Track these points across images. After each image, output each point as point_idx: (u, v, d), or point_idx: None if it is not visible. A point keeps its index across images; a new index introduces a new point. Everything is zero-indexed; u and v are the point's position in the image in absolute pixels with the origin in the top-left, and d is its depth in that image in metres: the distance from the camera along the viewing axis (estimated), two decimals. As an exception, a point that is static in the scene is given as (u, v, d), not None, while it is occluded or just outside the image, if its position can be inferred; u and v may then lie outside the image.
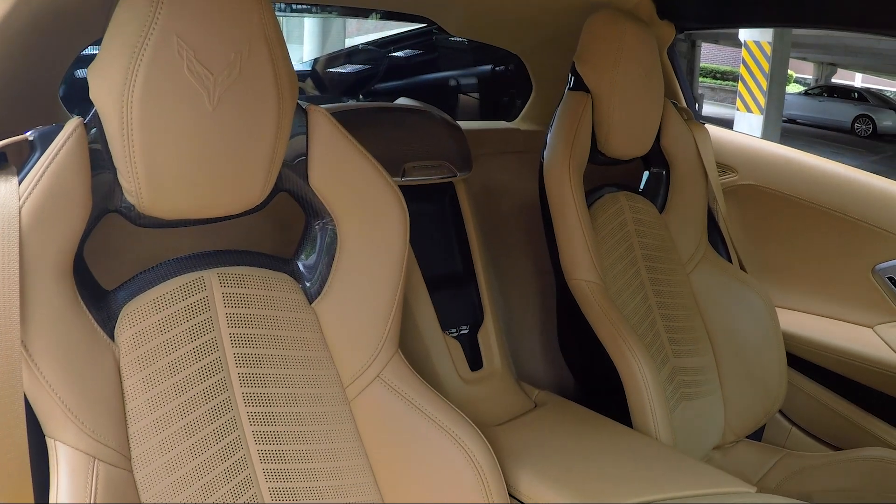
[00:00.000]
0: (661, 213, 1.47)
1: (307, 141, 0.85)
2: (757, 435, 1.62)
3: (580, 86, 1.28)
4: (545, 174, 1.26)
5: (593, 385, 1.36)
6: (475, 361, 1.26)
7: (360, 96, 1.64)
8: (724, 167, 1.66)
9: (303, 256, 0.92)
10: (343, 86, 1.75)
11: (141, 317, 0.78)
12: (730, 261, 1.57)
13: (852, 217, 1.55)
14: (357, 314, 0.91)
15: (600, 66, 1.25)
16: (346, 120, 1.12)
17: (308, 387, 0.88)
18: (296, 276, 0.91)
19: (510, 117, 1.72)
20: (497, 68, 1.85)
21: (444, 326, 1.24)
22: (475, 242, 1.33)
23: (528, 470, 1.02)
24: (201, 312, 0.82)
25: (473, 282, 1.32)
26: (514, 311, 1.50)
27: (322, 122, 0.86)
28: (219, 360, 0.82)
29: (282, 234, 1.04)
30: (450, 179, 1.27)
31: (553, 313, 1.46)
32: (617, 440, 1.12)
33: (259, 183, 0.79)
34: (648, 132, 1.38)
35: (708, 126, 1.57)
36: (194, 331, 0.81)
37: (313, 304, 0.91)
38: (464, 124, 1.56)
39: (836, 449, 1.59)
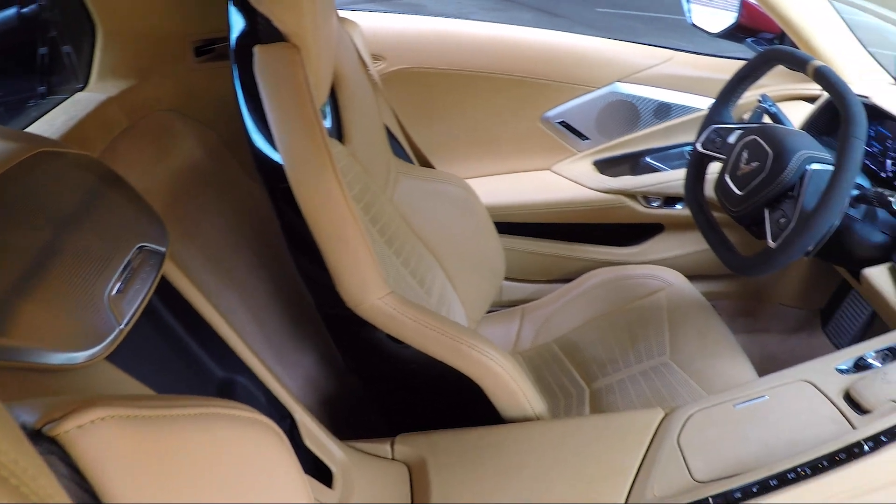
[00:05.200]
0: (344, 146, 1.23)
1: None
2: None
3: (270, 34, 0.89)
4: (297, 186, 0.90)
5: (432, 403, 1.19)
6: (324, 473, 0.95)
7: None
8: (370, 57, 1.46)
9: None
10: None
11: None
12: (410, 161, 1.45)
13: (516, 75, 1.59)
14: None
15: (299, 2, 0.87)
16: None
17: None
18: None
19: (57, 77, 1.13)
20: (24, 10, 1.12)
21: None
22: (219, 321, 0.92)
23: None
24: None
25: (249, 376, 0.94)
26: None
27: None
28: None
29: None
30: (161, 271, 0.80)
31: (296, 324, 1.18)
32: (529, 453, 1.02)
33: None
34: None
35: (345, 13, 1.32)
36: None
37: None
38: (43, 126, 1.00)
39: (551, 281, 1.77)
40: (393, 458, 1.05)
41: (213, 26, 1.06)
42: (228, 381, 0.93)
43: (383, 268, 1.10)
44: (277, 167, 0.91)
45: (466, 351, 1.04)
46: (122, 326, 0.70)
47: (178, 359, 0.87)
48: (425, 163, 1.47)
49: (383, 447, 1.06)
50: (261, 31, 0.90)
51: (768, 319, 1.96)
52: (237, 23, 0.91)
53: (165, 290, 0.87)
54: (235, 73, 0.92)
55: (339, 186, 0.91)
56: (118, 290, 0.72)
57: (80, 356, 0.64)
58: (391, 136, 1.39)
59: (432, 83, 1.61)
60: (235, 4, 0.91)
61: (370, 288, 0.99)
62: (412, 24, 1.61)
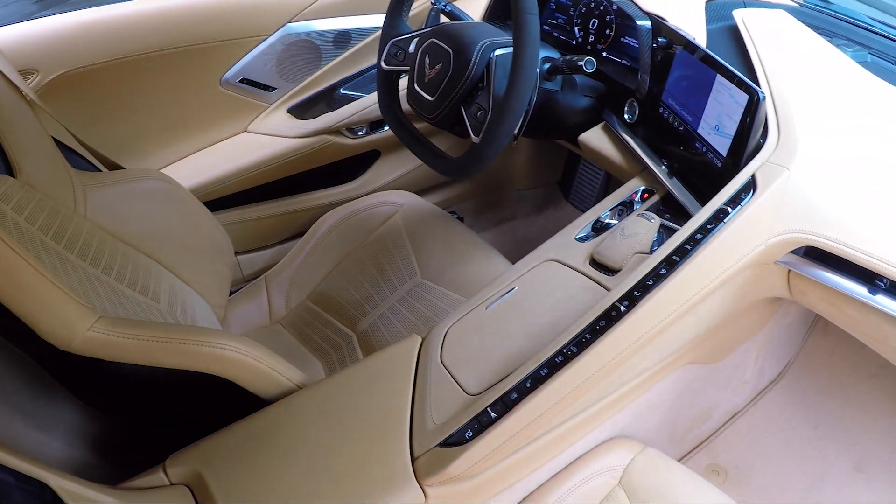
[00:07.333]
0: (17, 178, 1.10)
1: None
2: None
3: None
4: None
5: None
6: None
7: None
8: (20, 73, 1.31)
9: None
10: None
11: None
12: (97, 169, 1.34)
13: (181, 46, 1.53)
14: None
15: None
16: None
17: None
18: None
19: None
20: None
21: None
22: None
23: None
24: None
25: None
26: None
27: None
28: None
29: None
30: None
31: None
32: (302, 428, 1.02)
33: None
34: None
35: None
36: None
37: None
38: None
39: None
40: (171, 484, 1.00)
41: None
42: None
43: (91, 292, 1.02)
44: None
45: (195, 349, 1.00)
46: None
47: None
48: (113, 166, 1.37)
49: (157, 476, 1.00)
50: None
51: (512, 206, 2.09)
52: None
53: None
54: None
55: None
56: None
57: None
58: (68, 150, 1.27)
59: (98, 80, 1.50)
60: None
61: (73, 323, 0.91)
62: (55, 23, 1.46)
